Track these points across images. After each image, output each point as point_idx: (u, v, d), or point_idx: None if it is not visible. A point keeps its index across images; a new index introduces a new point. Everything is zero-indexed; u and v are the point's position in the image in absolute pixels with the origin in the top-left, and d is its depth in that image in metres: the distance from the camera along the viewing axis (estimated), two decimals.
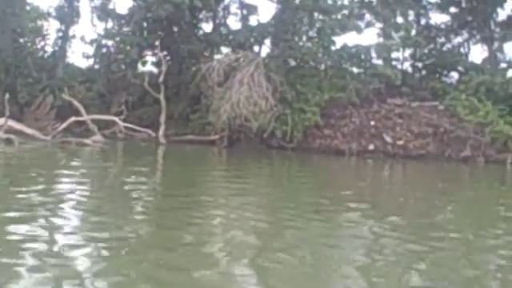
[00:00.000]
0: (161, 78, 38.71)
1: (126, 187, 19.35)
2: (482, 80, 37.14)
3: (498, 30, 41.54)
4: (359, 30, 39.90)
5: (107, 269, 9.58)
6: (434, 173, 32.71)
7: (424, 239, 13.06)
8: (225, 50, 41.47)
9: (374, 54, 39.11)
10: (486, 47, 41.69)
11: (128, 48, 38.17)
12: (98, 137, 35.15)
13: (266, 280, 9.59)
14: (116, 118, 37.46)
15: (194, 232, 12.75)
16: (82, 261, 9.78)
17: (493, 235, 14.21)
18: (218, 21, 43.35)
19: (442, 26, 43.48)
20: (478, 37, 42.71)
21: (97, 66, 42.73)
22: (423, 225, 15.16)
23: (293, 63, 39.93)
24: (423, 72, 42.89)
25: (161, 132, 37.85)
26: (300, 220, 14.49)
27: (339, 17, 39.44)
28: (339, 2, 40.89)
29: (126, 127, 37.83)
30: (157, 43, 39.19)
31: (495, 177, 31.75)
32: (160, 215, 14.94)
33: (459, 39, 43.60)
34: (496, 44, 40.31)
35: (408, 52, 42.92)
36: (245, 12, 42.60)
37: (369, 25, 43.32)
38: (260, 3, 41.75)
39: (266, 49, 41.67)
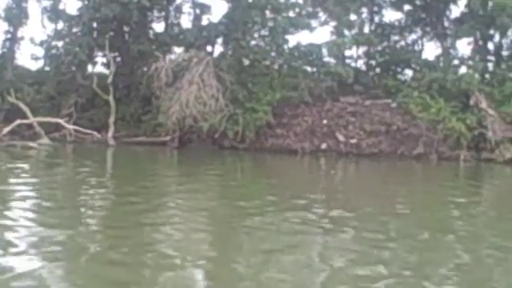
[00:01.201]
0: (109, 79, 38.13)
1: (71, 189, 19.41)
2: (434, 77, 37.01)
3: (451, 26, 41.25)
4: (311, 29, 39.61)
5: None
6: (386, 171, 32.60)
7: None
8: (178, 50, 40.84)
9: (326, 53, 38.55)
10: (439, 44, 41.53)
11: (77, 49, 37.32)
12: (44, 140, 34.54)
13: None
14: (61, 121, 36.80)
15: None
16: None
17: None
18: (170, 20, 42.66)
19: (396, 24, 43.17)
20: (431, 34, 42.52)
21: (47, 68, 41.80)
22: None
23: (245, 62, 39.44)
24: (377, 70, 42.74)
25: (110, 134, 37.23)
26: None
27: (292, 15, 38.95)
28: (291, 0, 40.39)
29: (75, 130, 37.04)
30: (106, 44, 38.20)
31: (447, 174, 31.61)
32: (107, 216, 15.18)
33: (413, 36, 43.45)
34: (449, 41, 40.09)
35: (362, 50, 42.65)
36: (198, 11, 41.95)
37: (323, 23, 43.02)
38: (214, 2, 40.99)
39: (219, 48, 41.14)
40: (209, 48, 40.97)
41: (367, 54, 42.43)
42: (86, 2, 37.71)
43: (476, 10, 38.53)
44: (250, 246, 12.56)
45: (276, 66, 39.62)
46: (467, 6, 39.09)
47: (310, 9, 43.13)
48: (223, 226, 14.66)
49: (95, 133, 36.85)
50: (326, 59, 39.43)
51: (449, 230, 15.12)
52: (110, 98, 38.04)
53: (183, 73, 35.59)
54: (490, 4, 36.62)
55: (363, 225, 15.02)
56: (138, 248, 11.60)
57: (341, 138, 36.50)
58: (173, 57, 37.14)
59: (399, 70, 42.02)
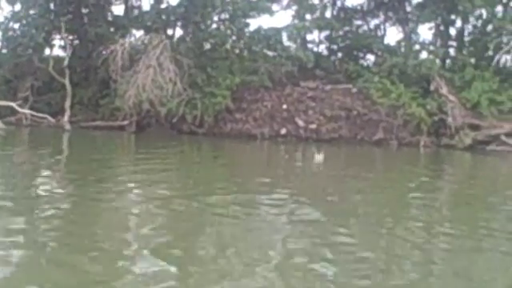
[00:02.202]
0: (65, 63, 37.56)
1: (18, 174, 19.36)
2: (395, 62, 36.84)
3: (414, 11, 41.06)
4: (271, 13, 39.13)
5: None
6: (344, 156, 32.46)
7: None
8: (137, 33, 40.24)
9: (286, 37, 38.21)
10: (401, 29, 41.37)
11: (33, 31, 36.57)
12: None
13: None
14: (14, 104, 36.13)
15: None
16: None
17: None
18: (130, 3, 41.98)
19: (359, 8, 42.89)
20: (393, 19, 42.33)
21: (4, 51, 40.96)
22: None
23: (205, 46, 39.02)
24: (339, 54, 42.48)
25: (66, 118, 36.75)
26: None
27: None
28: None
29: (32, 114, 36.45)
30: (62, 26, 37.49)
31: (406, 160, 31.55)
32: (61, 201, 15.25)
33: (376, 21, 43.21)
34: (411, 26, 39.91)
35: (324, 34, 42.32)
36: None
37: (286, 7, 42.63)
38: None
39: (180, 32, 40.57)
40: (170, 31, 40.45)
41: (329, 39, 42.07)
42: None
43: None
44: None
45: (236, 50, 38.99)
46: None
47: None
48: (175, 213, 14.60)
49: (49, 117, 36.23)
50: (287, 43, 38.95)
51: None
52: (66, 82, 37.48)
53: (140, 56, 34.93)
54: None
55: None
56: (95, 236, 11.76)
57: (300, 123, 36.20)
58: (129, 40, 36.22)
59: (361, 55, 41.81)
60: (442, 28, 39.63)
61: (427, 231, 13.94)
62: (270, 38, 37.30)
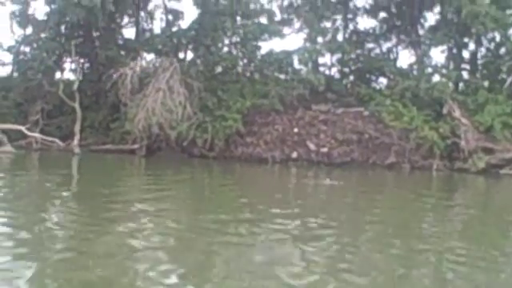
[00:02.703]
0: (75, 86, 37.56)
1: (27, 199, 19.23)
2: (407, 85, 36.52)
3: (426, 34, 40.78)
4: (281, 36, 38.99)
5: None
6: (356, 180, 32.11)
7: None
8: (148, 56, 40.17)
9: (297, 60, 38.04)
10: (413, 52, 41.05)
11: (44, 55, 36.57)
12: (7, 147, 33.72)
13: None
14: (23, 128, 36.06)
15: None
16: None
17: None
18: (141, 26, 42.00)
19: (371, 31, 42.66)
20: (406, 42, 42.04)
21: (15, 74, 41.02)
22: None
23: (216, 69, 38.93)
24: (351, 77, 42.18)
25: (75, 142, 36.64)
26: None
27: (264, 21, 38.42)
28: (265, 6, 39.95)
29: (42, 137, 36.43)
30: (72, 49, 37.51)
31: (419, 183, 31.17)
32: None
33: (388, 44, 42.94)
34: (423, 49, 39.59)
35: (336, 57, 42.12)
36: (170, 17, 41.29)
37: (298, 30, 42.60)
38: (187, 9, 40.31)
39: (191, 55, 40.49)
40: (181, 55, 40.40)
41: (341, 62, 41.81)
42: (54, 7, 36.70)
43: (450, 18, 38.16)
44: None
45: (247, 74, 38.84)
46: (440, 13, 38.63)
47: (285, 15, 42.72)
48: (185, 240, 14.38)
49: (57, 140, 36.16)
50: (299, 67, 38.74)
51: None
52: (76, 105, 37.42)
53: (150, 79, 34.80)
54: (464, 12, 35.78)
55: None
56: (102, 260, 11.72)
57: (312, 146, 35.87)
58: (139, 63, 36.09)
59: (373, 78, 41.47)
60: (454, 51, 39.30)
61: (440, 253, 13.83)
62: (282, 61, 37.14)
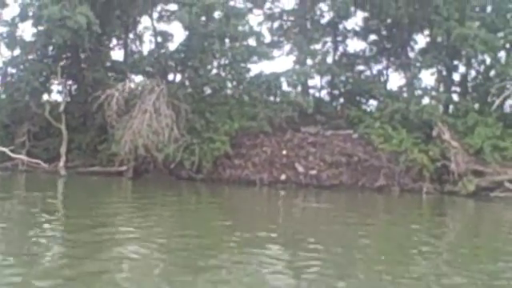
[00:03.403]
0: (61, 108, 37.24)
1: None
2: (397, 108, 36.34)
3: (417, 57, 40.70)
4: (269, 58, 38.78)
5: None
6: (345, 202, 31.95)
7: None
8: (137, 78, 39.92)
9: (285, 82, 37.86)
10: (403, 74, 40.94)
11: (31, 76, 36.29)
12: None
13: None
14: (6, 150, 35.76)
15: None
16: None
17: None
18: (129, 48, 41.82)
19: (361, 54, 42.56)
20: (396, 64, 41.94)
21: (3, 96, 40.73)
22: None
23: (205, 91, 38.75)
24: (341, 100, 41.99)
25: (61, 163, 36.32)
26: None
27: (252, 43, 38.28)
28: (255, 29, 39.93)
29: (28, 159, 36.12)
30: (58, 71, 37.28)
31: (408, 206, 30.94)
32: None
33: (379, 67, 42.80)
34: (413, 71, 39.43)
35: (326, 80, 41.96)
36: (159, 39, 41.11)
37: (288, 53, 42.60)
38: (176, 31, 40.14)
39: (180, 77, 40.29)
40: (170, 76, 40.16)
41: (331, 84, 41.67)
42: (40, 28, 36.49)
43: (440, 41, 38.16)
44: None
45: (236, 96, 38.62)
46: (430, 36, 38.59)
47: (275, 38, 42.69)
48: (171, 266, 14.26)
49: (41, 162, 35.86)
50: (288, 89, 38.50)
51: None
52: (63, 127, 37.09)
53: (135, 101, 34.55)
54: (454, 35, 35.74)
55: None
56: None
57: (300, 169, 35.55)
58: (126, 85, 35.81)
59: (363, 100, 41.26)
60: (444, 73, 39.18)
61: (428, 278, 13.88)
62: (270, 83, 36.84)
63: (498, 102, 34.04)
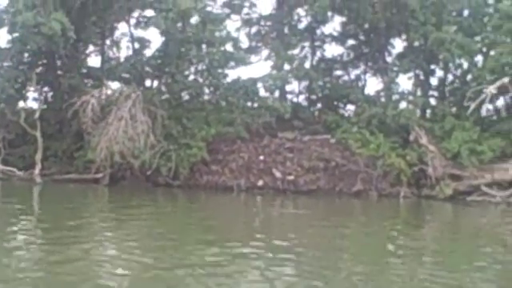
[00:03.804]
0: (36, 115, 36.92)
1: None
2: (374, 112, 36.33)
3: (394, 61, 40.67)
4: (245, 63, 38.65)
5: None
6: (323, 207, 32.19)
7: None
8: (113, 85, 39.66)
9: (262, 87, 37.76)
10: (381, 79, 40.90)
11: (6, 84, 35.93)
12: None
13: None
14: None
15: None
16: None
17: None
18: (107, 55, 41.57)
19: (338, 59, 42.49)
20: (374, 69, 41.88)
21: None
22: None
23: (183, 97, 38.58)
24: (318, 105, 41.91)
25: (37, 171, 35.94)
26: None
27: (230, 49, 38.15)
28: (233, 34, 39.74)
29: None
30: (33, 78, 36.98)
31: (386, 211, 31.02)
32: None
33: (357, 71, 42.73)
34: (390, 76, 39.39)
35: (304, 85, 41.88)
36: (137, 46, 40.87)
37: (267, 58, 42.43)
38: (154, 37, 39.84)
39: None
40: (148, 82, 39.97)
41: (308, 89, 41.59)
42: (15, 35, 36.16)
43: (417, 45, 38.24)
44: None
45: (213, 101, 38.47)
46: (406, 40, 38.62)
47: (253, 43, 42.58)
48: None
49: (16, 170, 35.60)
50: (265, 94, 38.38)
51: None
52: (38, 134, 36.72)
53: (110, 108, 34.32)
54: (430, 39, 35.77)
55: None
56: None
57: (278, 174, 35.49)
58: (101, 91, 35.61)
59: (341, 105, 41.19)
60: (422, 78, 39.13)
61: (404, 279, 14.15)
62: (247, 88, 36.70)
63: (473, 106, 33.94)
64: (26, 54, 37.94)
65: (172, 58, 36.90)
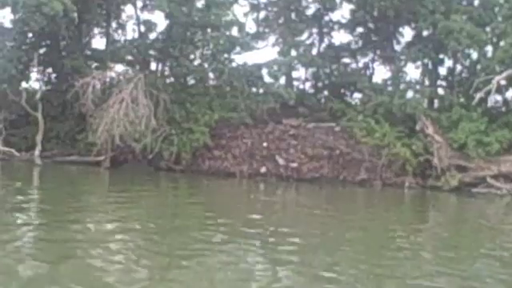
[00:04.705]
0: (38, 96, 36.58)
1: None
2: (380, 101, 35.81)
3: (403, 50, 40.09)
4: (250, 48, 38.19)
5: None
6: (325, 196, 31.90)
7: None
8: (120, 67, 39.27)
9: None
10: (389, 67, 40.36)
11: (8, 64, 35.56)
12: None
13: None
14: None
15: None
16: None
17: None
18: (113, 37, 41.18)
19: (346, 46, 41.91)
20: (382, 57, 41.31)
21: None
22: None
23: (188, 81, 38.20)
24: (325, 92, 41.41)
25: (37, 152, 35.60)
26: None
27: (235, 34, 37.67)
28: (241, 20, 39.32)
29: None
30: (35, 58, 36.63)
31: (389, 200, 30.71)
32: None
33: (365, 59, 42.15)
34: (398, 64, 38.84)
35: (311, 72, 41.41)
36: (143, 29, 40.43)
37: (275, 44, 41.97)
38: (161, 20, 39.31)
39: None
40: (154, 66, 39.59)
41: (315, 76, 41.08)
42: (19, 15, 35.76)
43: (426, 34, 37.68)
44: None
45: (217, 86, 37.99)
46: (415, 29, 38.03)
47: (261, 29, 42.13)
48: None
49: (13, 151, 35.28)
50: (271, 80, 37.88)
51: None
52: (39, 115, 36.38)
53: (112, 90, 33.95)
54: (439, 28, 35.16)
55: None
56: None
57: (281, 161, 35.07)
58: (104, 73, 35.24)
59: (348, 93, 40.66)
60: (430, 67, 38.53)
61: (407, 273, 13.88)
62: (251, 73, 36.23)
63: (478, 96, 33.38)
64: (30, 35, 37.42)
65: (176, 42, 36.45)
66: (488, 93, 33.41)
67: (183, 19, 36.14)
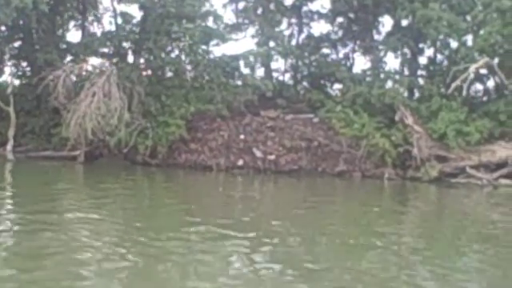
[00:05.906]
0: (9, 90, 36.02)
1: None
2: (359, 91, 35.35)
3: (382, 40, 39.62)
4: (226, 40, 37.64)
5: None
6: (304, 188, 31.74)
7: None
8: (95, 60, 38.62)
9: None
10: (368, 58, 39.89)
11: None
12: None
13: None
14: None
15: None
16: None
17: None
18: (88, 30, 40.58)
19: (325, 37, 41.38)
20: (362, 47, 40.83)
21: None
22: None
23: (165, 74, 37.66)
24: (304, 83, 40.92)
25: (9, 147, 35.05)
26: None
27: (211, 24, 37.12)
28: (219, 11, 38.76)
29: None
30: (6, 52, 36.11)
31: (368, 192, 30.58)
32: None
33: (345, 50, 41.66)
34: (377, 54, 38.37)
35: (290, 63, 40.92)
36: (120, 21, 39.78)
37: (254, 36, 41.41)
38: (138, 12, 38.59)
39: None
40: (130, 58, 38.97)
41: (294, 67, 40.59)
42: None
43: (405, 24, 37.20)
44: None
45: (193, 78, 37.44)
46: (394, 17, 37.54)
47: (240, 20, 41.59)
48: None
49: None
50: (248, 71, 37.39)
51: None
52: (11, 110, 35.77)
53: (83, 84, 33.36)
54: (417, 16, 34.69)
55: None
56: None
57: (258, 153, 34.59)
58: (77, 66, 34.66)
59: (328, 84, 40.13)
60: (409, 57, 38.06)
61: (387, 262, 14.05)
62: (227, 65, 35.71)
63: (454, 85, 32.99)
64: (3, 28, 36.83)
65: (150, 34, 35.82)
66: (464, 81, 32.86)
67: (158, 10, 35.55)
